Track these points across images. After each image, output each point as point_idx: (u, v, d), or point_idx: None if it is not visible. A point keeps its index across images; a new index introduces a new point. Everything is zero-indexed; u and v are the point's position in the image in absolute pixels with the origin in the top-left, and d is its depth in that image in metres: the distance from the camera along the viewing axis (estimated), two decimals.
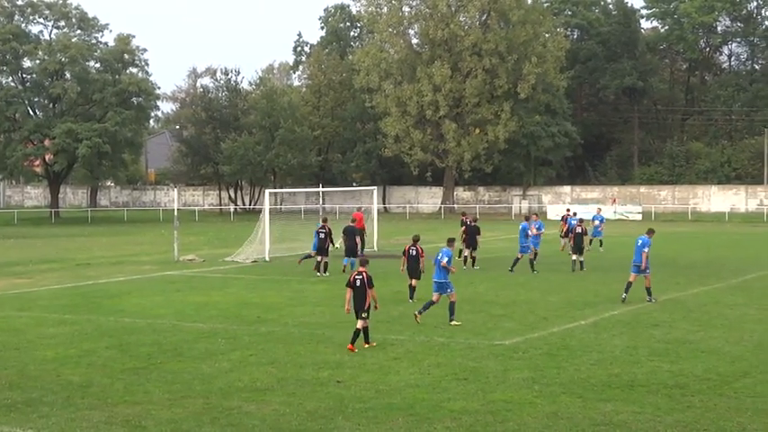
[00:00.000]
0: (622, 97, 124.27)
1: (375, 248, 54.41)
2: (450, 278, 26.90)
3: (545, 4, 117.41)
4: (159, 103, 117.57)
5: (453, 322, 26.34)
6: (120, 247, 61.39)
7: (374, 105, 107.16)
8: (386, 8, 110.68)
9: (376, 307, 23.47)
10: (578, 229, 42.31)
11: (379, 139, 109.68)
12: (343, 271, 40.58)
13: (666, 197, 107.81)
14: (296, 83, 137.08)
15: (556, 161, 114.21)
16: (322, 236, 41.22)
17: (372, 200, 59.38)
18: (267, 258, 48.21)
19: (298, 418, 16.80)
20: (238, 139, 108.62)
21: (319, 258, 41.22)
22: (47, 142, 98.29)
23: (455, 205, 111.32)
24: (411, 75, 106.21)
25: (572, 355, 21.99)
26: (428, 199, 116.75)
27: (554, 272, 41.28)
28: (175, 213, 53.42)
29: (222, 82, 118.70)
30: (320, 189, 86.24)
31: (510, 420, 16.44)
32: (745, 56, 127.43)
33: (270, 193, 54.56)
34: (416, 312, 26.81)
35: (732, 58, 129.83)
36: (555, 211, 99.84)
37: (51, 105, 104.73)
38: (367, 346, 23.00)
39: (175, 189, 66.50)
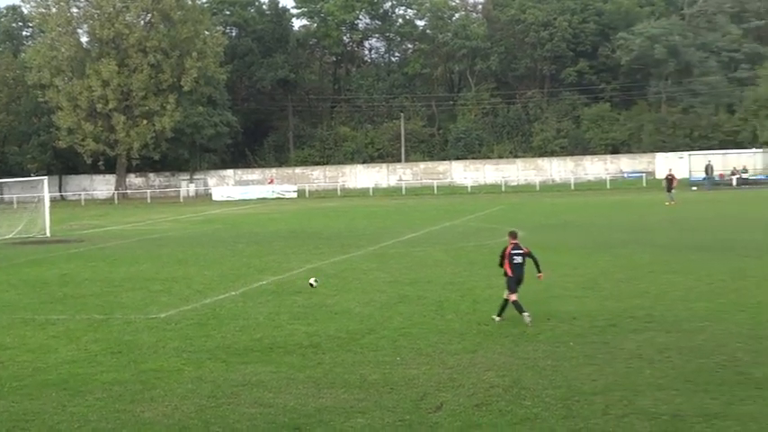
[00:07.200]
0: (278, 88, 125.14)
1: (47, 234, 52.57)
2: None
3: (204, 5, 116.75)
4: None
5: None
6: None
7: (47, 100, 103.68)
8: (55, 9, 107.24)
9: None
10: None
11: (53, 131, 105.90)
12: None
13: (319, 176, 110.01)
14: None
15: (219, 148, 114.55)
16: None
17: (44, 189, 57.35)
18: None
19: None
20: None
21: None
22: None
23: (128, 191, 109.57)
24: (81, 71, 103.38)
25: (220, 324, 21.92)
26: (103, 186, 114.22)
27: (211, 248, 41.15)
28: None
29: None
30: None
31: (158, 387, 16.20)
32: (384, 49, 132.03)
33: None
34: None
35: (372, 52, 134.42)
36: (219, 193, 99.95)
37: None
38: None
39: None
